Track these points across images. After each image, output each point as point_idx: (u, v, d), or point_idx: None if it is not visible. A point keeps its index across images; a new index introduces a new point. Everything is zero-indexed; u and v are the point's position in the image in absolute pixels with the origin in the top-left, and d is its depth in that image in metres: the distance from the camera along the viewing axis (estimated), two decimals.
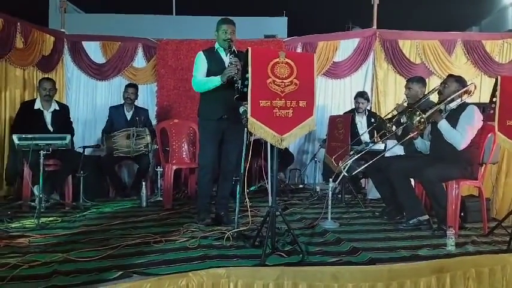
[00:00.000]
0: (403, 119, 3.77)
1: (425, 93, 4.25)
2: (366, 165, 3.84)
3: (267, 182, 3.59)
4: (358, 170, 3.94)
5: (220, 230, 3.41)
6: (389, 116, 4.14)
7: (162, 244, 3.11)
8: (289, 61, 2.96)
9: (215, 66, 3.64)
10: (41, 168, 3.78)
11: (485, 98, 5.42)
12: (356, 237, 3.38)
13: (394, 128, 3.90)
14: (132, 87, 5.38)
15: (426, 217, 3.65)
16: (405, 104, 4.14)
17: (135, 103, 5.43)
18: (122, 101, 5.40)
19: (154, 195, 4.96)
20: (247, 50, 2.92)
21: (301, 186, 5.85)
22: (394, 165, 3.77)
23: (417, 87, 4.20)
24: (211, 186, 3.82)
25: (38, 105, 4.56)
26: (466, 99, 3.75)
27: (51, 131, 4.45)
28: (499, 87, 3.33)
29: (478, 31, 14.75)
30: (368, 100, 5.41)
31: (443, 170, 3.50)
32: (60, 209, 4.26)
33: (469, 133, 3.48)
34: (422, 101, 3.97)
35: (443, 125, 3.55)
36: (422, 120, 3.51)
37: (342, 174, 4.04)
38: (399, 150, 4.34)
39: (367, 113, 5.39)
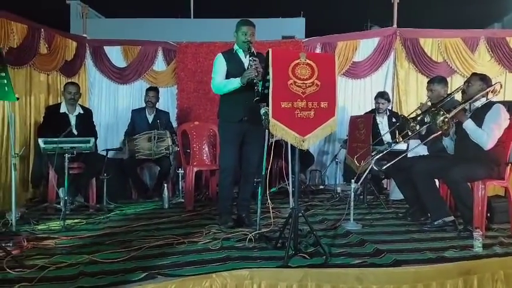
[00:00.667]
0: (427, 119, 3.70)
1: (448, 92, 4.17)
2: (391, 162, 3.77)
3: (288, 183, 3.58)
4: (388, 164, 3.85)
5: (242, 231, 3.42)
6: (413, 115, 4.08)
7: (185, 245, 3.13)
8: (310, 62, 2.95)
9: (234, 68, 3.63)
10: (66, 171, 3.86)
11: (511, 96, 5.30)
12: (380, 238, 3.35)
13: (417, 127, 3.83)
14: (153, 90, 5.44)
15: (451, 218, 3.59)
16: (429, 103, 4.06)
17: (157, 106, 5.49)
18: (144, 105, 5.46)
19: (176, 196, 5.00)
20: (267, 52, 2.93)
21: (321, 187, 5.81)
22: (417, 165, 3.72)
23: (439, 88, 4.10)
24: (232, 189, 3.81)
25: (63, 109, 4.65)
26: (492, 98, 3.67)
27: (76, 134, 4.53)
28: None
29: (501, 27, 14.45)
30: (388, 100, 5.33)
31: (469, 170, 3.43)
32: (84, 211, 4.33)
33: (495, 132, 3.40)
34: (446, 100, 3.90)
35: (469, 125, 3.48)
36: (446, 120, 3.44)
37: (366, 172, 4.00)
38: (423, 150, 4.27)
39: (388, 113, 5.32)
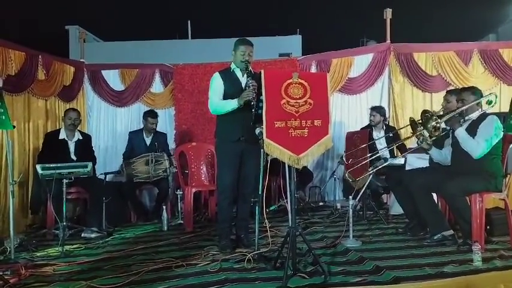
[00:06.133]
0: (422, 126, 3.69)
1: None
2: (373, 170, 3.78)
3: (287, 201, 3.57)
4: (378, 167, 3.90)
5: (241, 252, 3.41)
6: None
7: (184, 268, 3.12)
8: (302, 81, 2.99)
9: (232, 87, 3.62)
10: (64, 196, 3.87)
11: (505, 107, 5.31)
12: (379, 255, 3.33)
13: (424, 132, 3.77)
14: (154, 117, 5.35)
15: (451, 232, 3.58)
16: (441, 113, 4.03)
17: None
18: (141, 126, 5.48)
19: (175, 218, 4.98)
20: (260, 73, 2.97)
21: (321, 203, 5.79)
22: (415, 179, 3.72)
23: (455, 101, 3.96)
24: (231, 210, 3.78)
25: (62, 135, 4.68)
26: (487, 109, 3.69)
27: (75, 160, 4.56)
28: None
29: (496, 39, 14.57)
30: (381, 114, 5.31)
31: (466, 183, 3.43)
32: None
33: (486, 143, 3.41)
34: (451, 114, 3.83)
35: (461, 133, 3.51)
36: (438, 125, 3.47)
37: (364, 188, 3.99)
38: (423, 162, 4.28)
39: (384, 127, 5.34)
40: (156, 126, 5.42)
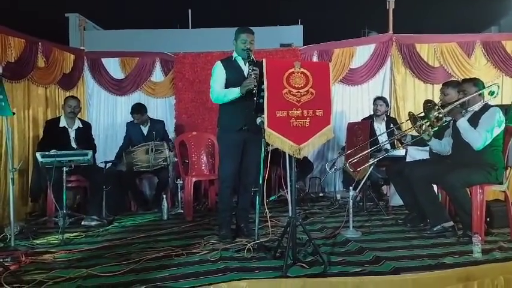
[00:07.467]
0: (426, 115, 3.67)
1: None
2: (374, 161, 3.78)
3: (287, 192, 3.57)
4: (377, 158, 3.89)
5: (241, 241, 3.41)
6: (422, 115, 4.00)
7: (184, 257, 3.12)
8: (304, 71, 2.97)
9: (234, 76, 3.59)
10: (64, 184, 3.86)
11: (507, 99, 5.31)
12: (379, 246, 3.33)
13: (424, 127, 3.74)
14: (132, 113, 5.32)
15: (451, 223, 3.58)
16: None
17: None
18: None
19: (175, 207, 4.99)
20: (262, 62, 2.94)
21: (321, 194, 5.79)
22: (416, 170, 3.72)
23: (453, 93, 3.93)
24: (232, 199, 3.77)
25: (63, 123, 4.67)
26: (489, 100, 3.67)
27: (75, 148, 4.55)
28: None
29: (498, 31, 14.48)
30: (387, 104, 5.32)
31: (466, 175, 3.42)
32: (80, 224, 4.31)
33: (488, 134, 3.40)
34: (454, 105, 3.81)
35: (462, 123, 3.50)
36: (440, 116, 3.46)
37: (364, 179, 3.99)
38: (424, 154, 4.27)
39: (385, 118, 5.32)
40: (141, 119, 5.31)
